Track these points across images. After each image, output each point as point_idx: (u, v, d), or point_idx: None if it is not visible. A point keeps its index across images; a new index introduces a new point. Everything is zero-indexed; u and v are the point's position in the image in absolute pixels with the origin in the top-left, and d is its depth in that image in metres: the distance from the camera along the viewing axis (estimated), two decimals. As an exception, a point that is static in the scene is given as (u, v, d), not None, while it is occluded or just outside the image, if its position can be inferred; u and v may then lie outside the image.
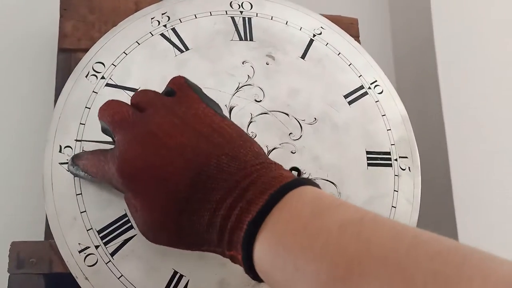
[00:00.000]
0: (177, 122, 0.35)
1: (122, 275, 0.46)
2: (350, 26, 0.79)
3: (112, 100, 0.40)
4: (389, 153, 0.57)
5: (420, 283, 0.24)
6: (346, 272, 0.27)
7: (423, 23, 0.79)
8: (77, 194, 0.48)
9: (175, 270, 0.47)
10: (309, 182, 0.34)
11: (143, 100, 0.39)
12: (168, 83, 0.40)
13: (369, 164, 0.55)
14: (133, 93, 0.51)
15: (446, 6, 0.77)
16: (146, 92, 0.40)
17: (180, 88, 0.39)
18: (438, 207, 0.71)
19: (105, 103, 0.39)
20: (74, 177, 0.48)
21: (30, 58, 0.74)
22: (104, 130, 0.41)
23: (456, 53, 0.75)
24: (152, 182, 0.35)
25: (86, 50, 0.71)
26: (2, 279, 0.48)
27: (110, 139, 0.49)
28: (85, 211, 0.48)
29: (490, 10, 0.79)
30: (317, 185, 0.35)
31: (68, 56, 0.71)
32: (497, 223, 0.69)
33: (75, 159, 0.45)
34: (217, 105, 0.41)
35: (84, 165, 0.44)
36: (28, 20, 0.75)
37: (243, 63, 0.55)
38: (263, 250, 0.31)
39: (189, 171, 0.34)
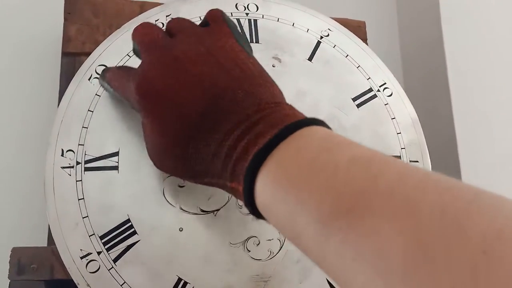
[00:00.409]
0: (203, 51, 0.36)
1: (125, 282, 0.45)
2: (357, 29, 0.77)
3: (147, 22, 0.41)
4: (399, 157, 0.55)
5: (426, 216, 0.22)
6: (351, 204, 0.25)
7: (432, 23, 0.78)
8: (79, 199, 0.47)
9: (179, 277, 0.46)
10: (322, 123, 0.33)
11: (176, 26, 0.40)
12: (205, 14, 0.41)
13: (378, 168, 0.54)
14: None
15: (455, 6, 0.75)
16: (181, 19, 0.41)
17: (215, 20, 0.39)
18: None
19: (139, 24, 0.40)
20: (76, 181, 0.47)
21: (34, 61, 0.73)
22: (134, 51, 0.42)
23: (465, 53, 0.74)
24: (167, 104, 0.35)
25: (90, 54, 0.70)
26: (3, 285, 0.47)
27: (112, 151, 0.48)
28: (87, 216, 0.47)
29: (500, 9, 0.77)
30: (329, 128, 0.34)
31: (72, 59, 0.71)
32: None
33: (105, 71, 0.46)
34: (249, 46, 0.41)
35: (109, 77, 0.45)
36: (32, 23, 0.75)
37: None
38: (266, 183, 0.30)
39: (204, 100, 0.34)
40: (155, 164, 0.40)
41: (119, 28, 0.64)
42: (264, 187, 0.30)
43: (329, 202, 0.26)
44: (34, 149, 0.67)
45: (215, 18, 0.40)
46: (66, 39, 0.70)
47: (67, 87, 0.64)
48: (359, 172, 0.27)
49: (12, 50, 0.73)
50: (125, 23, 0.67)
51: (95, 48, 0.67)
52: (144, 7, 0.74)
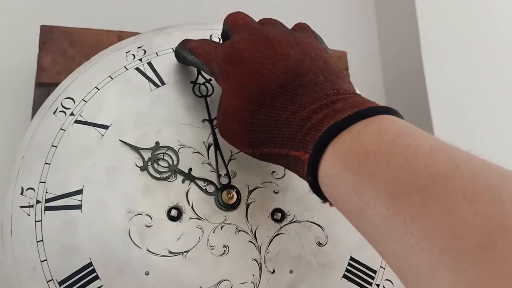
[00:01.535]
0: (291, 39, 0.39)
1: (84, 333, 0.42)
2: (339, 59, 0.77)
3: (242, 12, 0.44)
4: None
5: (509, 204, 0.22)
6: (427, 183, 0.25)
7: (413, 53, 0.78)
8: (37, 241, 0.44)
9: (144, 326, 0.43)
10: (400, 115, 0.33)
11: (268, 20, 0.43)
12: (294, 25, 0.44)
13: (358, 204, 0.51)
14: (104, 130, 0.48)
15: (435, 37, 0.75)
16: (273, 19, 0.44)
17: (302, 28, 0.43)
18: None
19: (235, 11, 0.44)
20: (36, 222, 0.44)
21: (7, 92, 0.71)
22: (222, 33, 0.45)
23: (446, 83, 0.73)
24: (250, 71, 0.37)
25: (64, 85, 0.68)
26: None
27: (76, 188, 0.46)
28: (46, 259, 0.43)
29: (480, 37, 0.78)
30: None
31: (46, 90, 0.68)
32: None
33: (185, 42, 0.48)
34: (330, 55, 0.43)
35: (193, 46, 0.46)
36: (6, 53, 0.73)
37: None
38: (336, 153, 0.30)
39: (286, 74, 0.36)
40: (219, 127, 0.42)
41: None
42: (334, 157, 0.30)
43: (405, 178, 0.26)
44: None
45: (302, 26, 0.43)
46: (40, 69, 0.68)
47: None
48: (441, 158, 0.26)
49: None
50: None
51: (69, 79, 0.65)
52: (121, 37, 0.72)
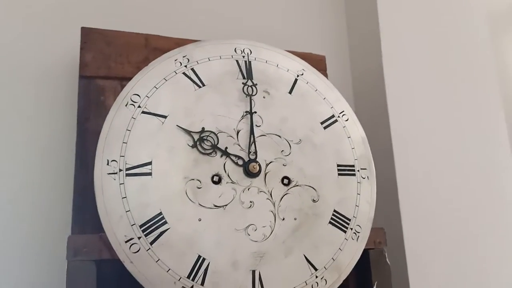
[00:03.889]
0: None
1: (159, 259, 0.61)
2: (319, 62, 0.98)
3: None
4: (353, 166, 0.75)
5: None
6: None
7: (375, 57, 1.00)
8: (122, 198, 0.62)
9: (199, 255, 0.62)
10: None
11: None
12: None
13: (339, 174, 0.74)
14: (163, 118, 0.66)
15: (395, 50, 0.98)
16: None
17: None
18: (387, 204, 0.91)
19: None
20: (120, 184, 0.62)
21: (54, 84, 0.86)
22: None
23: (403, 87, 0.97)
24: None
25: (104, 77, 0.84)
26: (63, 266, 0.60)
27: (146, 161, 0.63)
28: (129, 210, 0.62)
29: (433, 44, 1.02)
30: None
31: (88, 82, 0.84)
32: (433, 211, 0.90)
33: None
34: None
35: None
36: (51, 51, 0.87)
37: (246, 96, 0.71)
38: None
39: None
40: None
41: (127, 56, 0.80)
42: None
43: None
44: (61, 154, 0.79)
45: None
46: (83, 64, 0.84)
47: (84, 105, 0.79)
48: None
49: (35, 74, 0.85)
50: (133, 52, 0.83)
51: (108, 73, 0.83)
52: (148, 39, 0.89)
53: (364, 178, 0.75)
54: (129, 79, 0.71)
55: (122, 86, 0.74)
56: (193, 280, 0.61)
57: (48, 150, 0.81)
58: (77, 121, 0.81)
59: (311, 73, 0.79)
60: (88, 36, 0.85)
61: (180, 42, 0.86)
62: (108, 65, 0.86)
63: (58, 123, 0.83)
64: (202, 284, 0.61)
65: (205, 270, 0.62)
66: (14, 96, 0.82)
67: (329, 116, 0.77)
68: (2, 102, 0.82)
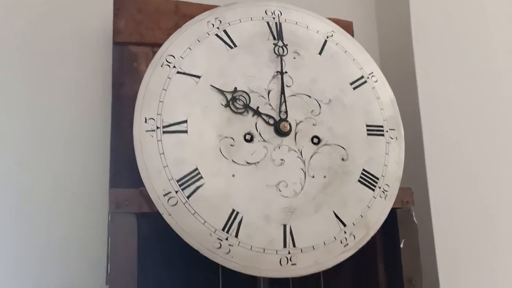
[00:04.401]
0: None
1: (195, 212, 0.64)
2: (346, 28, 0.97)
3: None
4: (382, 127, 0.76)
5: None
6: None
7: (403, 25, 0.99)
8: (160, 154, 0.65)
9: (233, 209, 0.65)
10: None
11: None
12: None
13: (368, 134, 0.75)
14: (197, 78, 0.68)
15: (423, 13, 0.97)
16: None
17: None
18: (413, 165, 0.92)
19: None
20: (158, 141, 0.65)
21: (87, 49, 0.88)
22: None
23: (431, 54, 0.96)
24: None
25: (136, 44, 0.87)
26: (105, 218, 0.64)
27: (182, 119, 0.66)
28: (167, 166, 0.65)
29: (464, 13, 1.00)
30: None
31: (121, 48, 0.86)
32: (461, 177, 0.91)
33: None
34: None
35: None
36: (84, 18, 0.90)
37: (277, 57, 0.73)
38: None
39: None
40: None
41: (158, 23, 0.81)
42: None
43: None
44: (98, 118, 0.82)
45: None
46: (116, 31, 0.86)
47: (118, 70, 0.81)
48: None
49: (70, 40, 0.88)
50: (163, 18, 0.85)
51: (140, 39, 0.85)
52: (178, 6, 0.90)
53: (392, 139, 0.76)
54: (160, 45, 0.72)
55: (154, 53, 0.76)
56: (227, 232, 0.64)
57: (85, 114, 0.85)
58: (112, 86, 0.84)
59: (340, 35, 0.79)
60: (121, 3, 0.87)
61: (210, 9, 0.87)
62: (140, 31, 0.88)
63: (95, 89, 0.87)
64: (236, 236, 0.64)
65: (238, 223, 0.65)
66: (54, 64, 0.86)
67: (358, 77, 0.77)
68: (42, 69, 0.85)
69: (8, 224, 0.78)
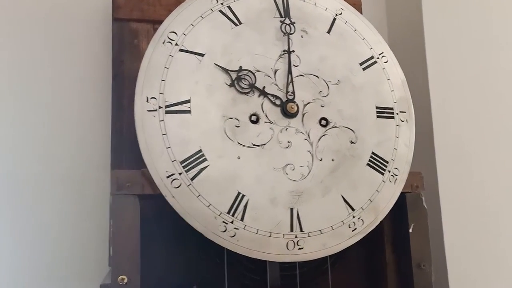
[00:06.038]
0: None
1: (200, 195, 0.62)
2: (354, 7, 0.94)
3: None
4: (392, 109, 0.74)
5: None
6: None
7: (413, 4, 0.96)
8: (163, 134, 0.62)
9: (239, 192, 0.63)
10: None
11: None
12: None
13: (378, 116, 0.72)
14: (201, 57, 0.66)
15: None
16: None
17: None
18: (422, 149, 0.89)
19: None
20: (160, 121, 0.62)
21: (88, 26, 0.85)
22: None
23: (442, 34, 0.92)
24: None
25: (137, 20, 0.84)
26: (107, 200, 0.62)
27: (185, 98, 0.63)
28: (170, 147, 0.62)
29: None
30: None
31: (121, 24, 0.83)
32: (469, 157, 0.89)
33: None
34: None
35: None
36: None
37: (284, 35, 0.70)
38: None
39: None
40: None
41: None
42: None
43: None
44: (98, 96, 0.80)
45: None
46: (116, 6, 0.83)
47: (118, 47, 0.78)
48: None
49: (67, 15, 0.85)
50: None
51: (141, 15, 0.82)
52: (181, -18, 0.87)
53: (403, 121, 0.74)
54: (162, 22, 0.69)
55: (155, 30, 0.73)
56: (233, 215, 0.62)
57: (85, 92, 0.82)
58: (112, 64, 0.81)
59: (350, 13, 0.76)
60: (121, -22, 0.83)
61: (213, -15, 0.84)
62: (140, 7, 0.85)
63: (95, 66, 0.84)
64: (242, 219, 0.62)
65: (244, 206, 0.63)
66: (50, 40, 0.83)
67: (368, 57, 0.74)
68: (43, 46, 0.82)
69: (10, 207, 0.76)
